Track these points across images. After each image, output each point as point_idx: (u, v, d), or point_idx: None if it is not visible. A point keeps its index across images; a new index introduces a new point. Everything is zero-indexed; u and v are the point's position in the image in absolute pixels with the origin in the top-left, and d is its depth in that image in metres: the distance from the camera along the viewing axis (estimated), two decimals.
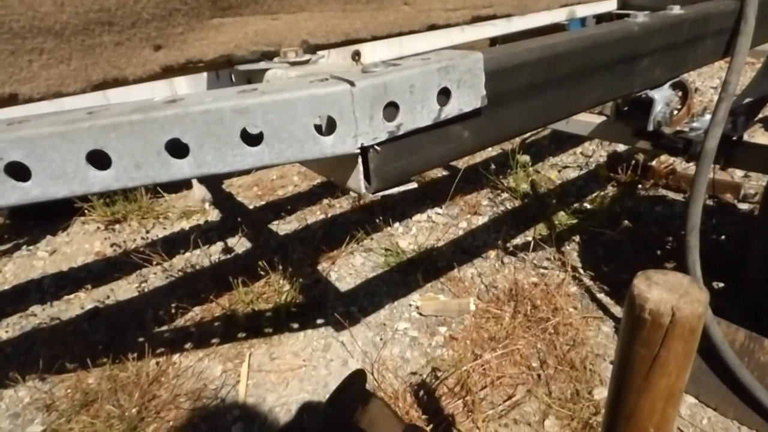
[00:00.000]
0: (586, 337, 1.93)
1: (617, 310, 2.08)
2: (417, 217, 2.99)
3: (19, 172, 0.65)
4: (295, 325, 2.17)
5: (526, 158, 3.28)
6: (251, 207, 3.38)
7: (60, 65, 0.76)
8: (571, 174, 3.36)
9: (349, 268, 2.57)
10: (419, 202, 3.12)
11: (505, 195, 3.12)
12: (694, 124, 1.93)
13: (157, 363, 2.02)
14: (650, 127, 1.61)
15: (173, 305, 2.26)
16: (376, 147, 0.75)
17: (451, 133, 0.85)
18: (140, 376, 1.93)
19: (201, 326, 2.22)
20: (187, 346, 2.10)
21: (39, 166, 0.64)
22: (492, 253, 2.57)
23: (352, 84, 0.68)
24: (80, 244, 3.07)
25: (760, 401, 1.51)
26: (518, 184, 3.12)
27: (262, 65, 0.98)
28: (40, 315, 2.44)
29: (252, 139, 0.70)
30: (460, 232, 2.82)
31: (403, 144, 0.78)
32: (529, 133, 3.82)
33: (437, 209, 3.05)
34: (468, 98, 0.81)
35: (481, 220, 2.91)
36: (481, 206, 3.04)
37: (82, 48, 0.76)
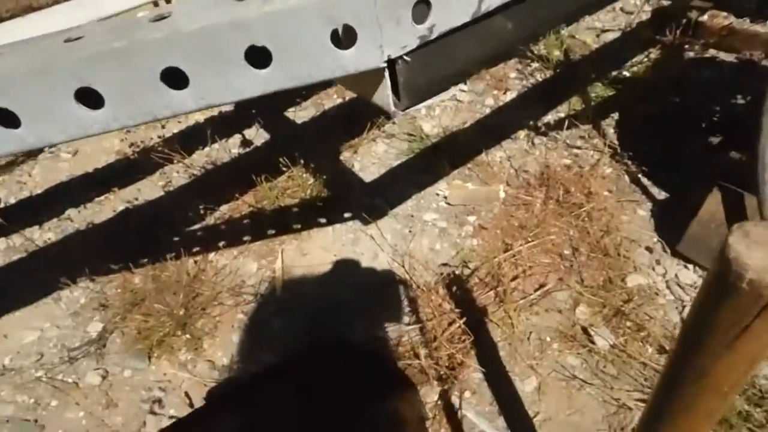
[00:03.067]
0: (620, 222, 1.88)
1: (655, 191, 2.00)
2: (440, 95, 2.81)
3: (6, 118, 0.57)
4: (323, 220, 2.18)
5: None
6: None
7: None
8: (610, 37, 3.04)
9: (372, 157, 2.50)
10: None
11: (535, 65, 2.87)
12: None
13: (195, 262, 2.09)
14: None
15: (201, 206, 2.27)
16: (405, 57, 0.63)
17: (492, 28, 0.71)
18: (181, 275, 2.01)
19: (231, 224, 2.25)
20: (221, 244, 2.15)
21: (24, 110, 0.56)
22: (521, 134, 2.44)
23: None
24: (98, 142, 3.04)
25: None
26: (550, 52, 2.85)
27: None
28: (75, 219, 2.50)
29: (258, 60, 0.59)
30: (487, 110, 2.66)
31: (437, 49, 0.66)
32: None
33: (461, 86, 2.84)
34: None
35: (509, 96, 2.72)
36: (508, 79, 2.83)
37: None
